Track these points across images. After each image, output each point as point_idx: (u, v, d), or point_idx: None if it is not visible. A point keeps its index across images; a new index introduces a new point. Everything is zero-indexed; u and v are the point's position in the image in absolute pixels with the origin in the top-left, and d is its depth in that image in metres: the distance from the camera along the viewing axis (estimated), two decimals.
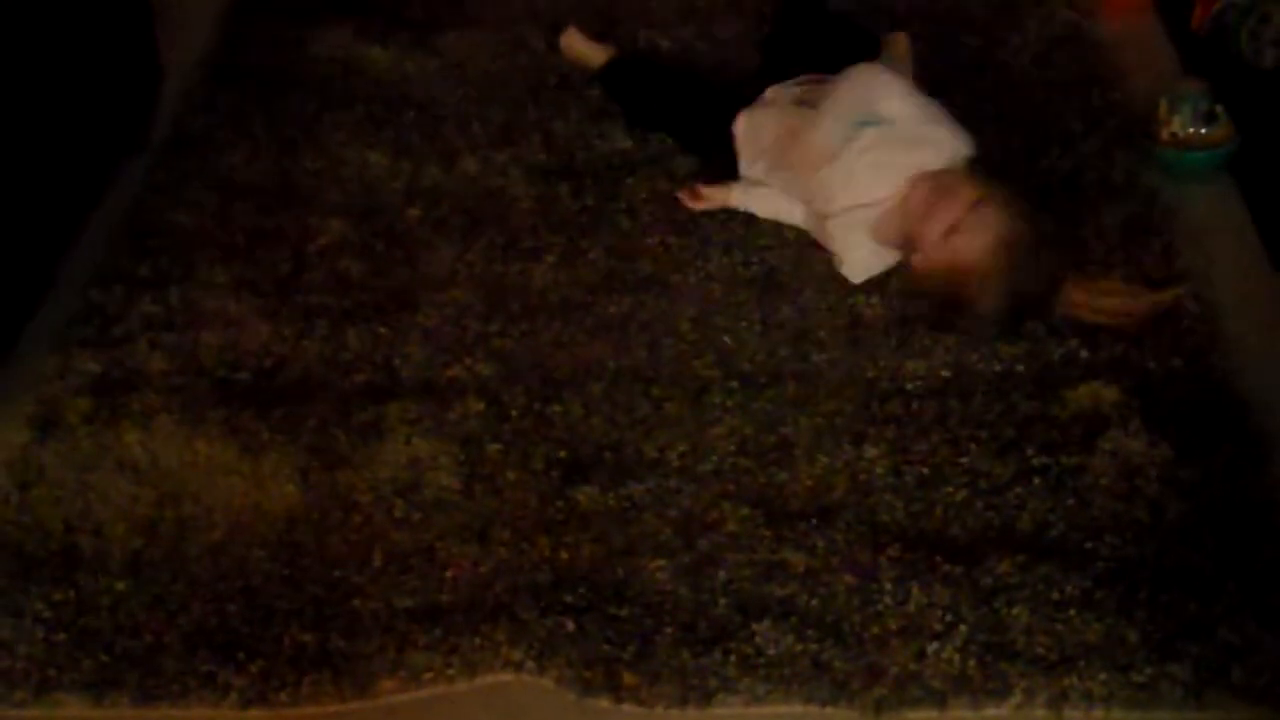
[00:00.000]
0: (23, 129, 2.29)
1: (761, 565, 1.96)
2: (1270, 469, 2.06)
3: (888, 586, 1.93)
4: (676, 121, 2.67)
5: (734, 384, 2.22)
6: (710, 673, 1.85)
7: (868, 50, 2.59)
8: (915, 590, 1.92)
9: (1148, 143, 2.59)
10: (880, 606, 1.91)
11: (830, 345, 2.28)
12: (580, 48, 2.87)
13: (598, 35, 2.89)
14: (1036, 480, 2.06)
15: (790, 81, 2.55)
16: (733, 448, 2.12)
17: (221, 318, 2.36)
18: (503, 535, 2.01)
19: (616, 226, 2.52)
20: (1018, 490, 2.05)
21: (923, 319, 2.29)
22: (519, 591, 1.94)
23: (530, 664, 1.86)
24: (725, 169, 2.54)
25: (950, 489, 2.05)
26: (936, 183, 2.26)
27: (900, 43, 2.76)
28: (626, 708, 1.84)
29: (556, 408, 2.19)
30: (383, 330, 2.33)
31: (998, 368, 2.22)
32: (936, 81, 2.55)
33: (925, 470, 2.08)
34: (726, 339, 2.30)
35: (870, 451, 2.11)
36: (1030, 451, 2.09)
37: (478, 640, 1.89)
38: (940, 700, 1.82)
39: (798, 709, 1.83)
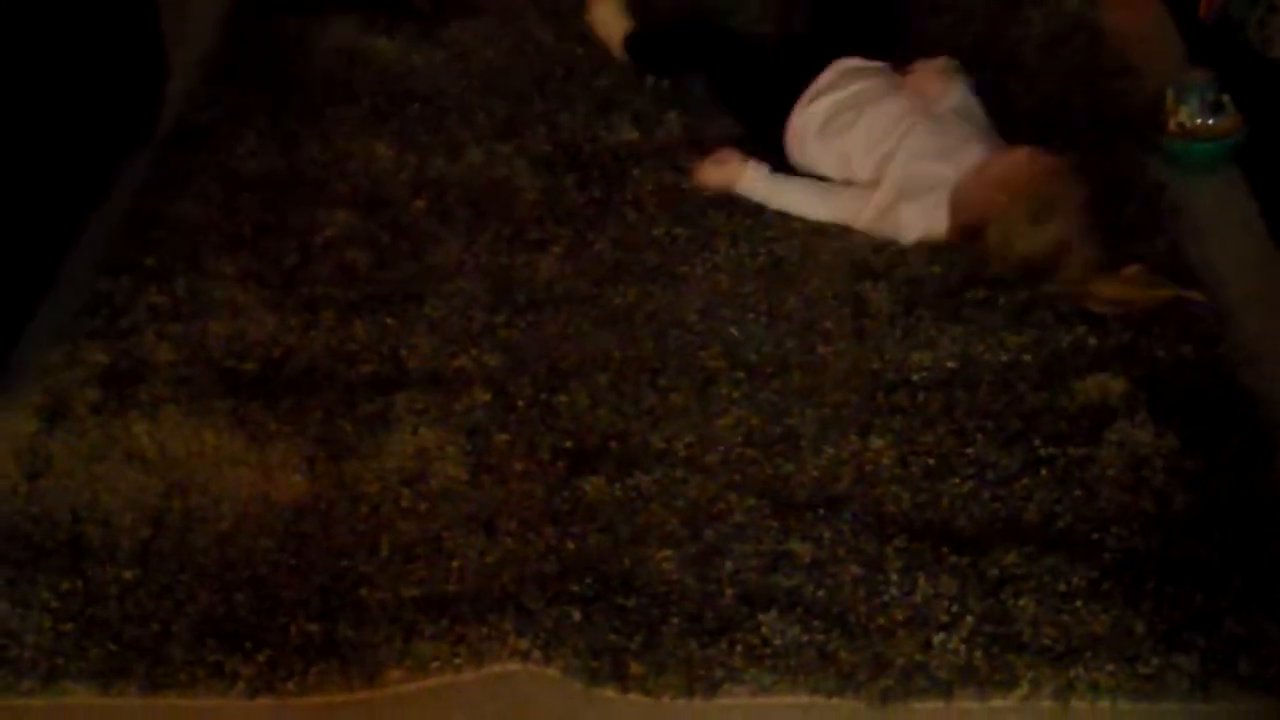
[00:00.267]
0: (27, 127, 2.29)
1: (768, 556, 1.96)
2: (1278, 461, 2.06)
3: (894, 577, 1.93)
4: (717, 69, 2.70)
5: (740, 375, 2.22)
6: (716, 663, 1.85)
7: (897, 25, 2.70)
8: (921, 581, 1.92)
9: (1154, 134, 2.58)
10: (886, 597, 1.91)
11: (836, 336, 2.28)
12: (609, 18, 2.86)
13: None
14: (1043, 471, 2.06)
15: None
16: (739, 438, 2.12)
17: (229, 309, 2.36)
18: (509, 525, 2.02)
19: (623, 218, 2.51)
20: (1024, 481, 2.05)
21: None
22: (525, 581, 1.94)
23: (537, 654, 1.87)
24: (767, 122, 2.57)
25: (957, 480, 2.05)
26: (1020, 157, 2.35)
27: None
28: (633, 697, 1.84)
29: (563, 398, 2.19)
30: (389, 321, 2.33)
31: (1004, 358, 2.22)
32: None
33: (931, 461, 2.08)
34: (733, 330, 2.30)
35: (876, 442, 2.11)
36: (1037, 442, 2.09)
37: (484, 630, 1.89)
38: (946, 691, 1.82)
39: (804, 699, 1.83)
